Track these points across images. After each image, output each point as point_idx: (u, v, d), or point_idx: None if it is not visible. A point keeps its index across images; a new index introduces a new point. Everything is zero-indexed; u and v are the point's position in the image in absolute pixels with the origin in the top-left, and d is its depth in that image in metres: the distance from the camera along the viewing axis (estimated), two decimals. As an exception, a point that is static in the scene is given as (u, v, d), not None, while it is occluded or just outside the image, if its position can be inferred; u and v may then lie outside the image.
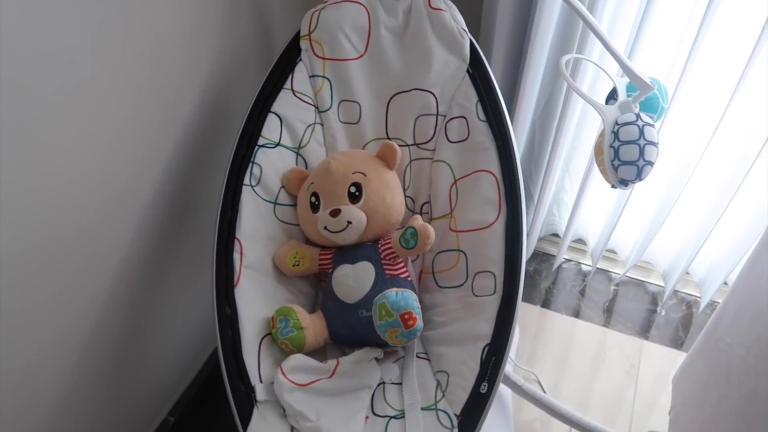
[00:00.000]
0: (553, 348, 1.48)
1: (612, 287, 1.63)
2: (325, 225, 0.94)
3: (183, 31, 0.93)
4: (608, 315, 1.56)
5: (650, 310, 1.57)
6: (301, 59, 1.00)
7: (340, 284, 0.93)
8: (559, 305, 1.58)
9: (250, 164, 0.95)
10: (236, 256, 0.90)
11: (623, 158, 0.88)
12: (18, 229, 0.74)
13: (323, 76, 1.02)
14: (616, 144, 0.88)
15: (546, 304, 1.59)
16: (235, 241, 0.90)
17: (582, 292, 1.62)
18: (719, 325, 0.95)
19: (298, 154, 1.02)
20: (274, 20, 1.19)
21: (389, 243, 0.94)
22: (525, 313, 1.55)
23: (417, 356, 0.93)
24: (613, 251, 1.65)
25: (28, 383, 0.85)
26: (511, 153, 0.92)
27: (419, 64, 1.00)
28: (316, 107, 1.03)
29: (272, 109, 0.97)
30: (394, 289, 0.84)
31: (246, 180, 0.94)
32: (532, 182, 1.53)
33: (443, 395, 0.86)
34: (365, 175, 0.94)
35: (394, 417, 0.85)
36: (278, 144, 0.98)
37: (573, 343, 1.50)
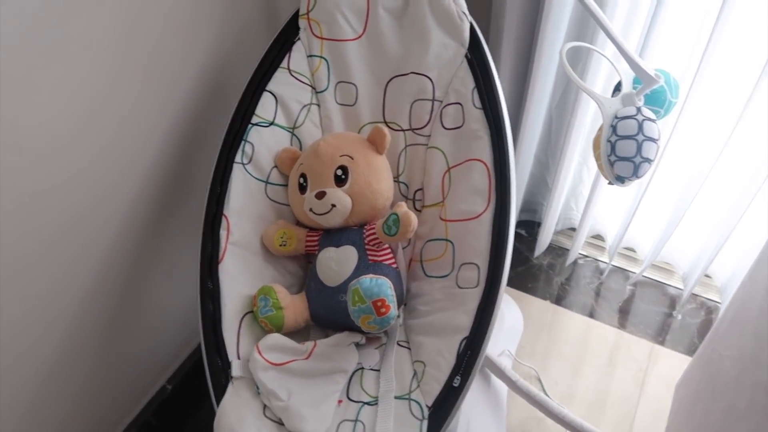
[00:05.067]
0: (559, 345, 1.44)
1: (628, 287, 1.57)
2: (311, 207, 0.93)
3: (183, 6, 0.93)
4: (622, 315, 1.50)
5: (666, 314, 1.50)
6: (299, 38, 0.99)
7: (323, 267, 0.93)
8: (571, 302, 1.54)
9: (242, 142, 0.95)
10: (222, 232, 0.90)
11: (620, 154, 0.84)
12: (12, 216, 0.76)
13: (321, 56, 1.00)
14: (614, 138, 0.84)
15: (558, 300, 1.55)
16: (223, 217, 0.91)
17: (597, 290, 1.56)
18: (716, 334, 0.90)
19: (292, 134, 1.01)
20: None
21: (374, 229, 0.93)
22: (536, 307, 1.52)
23: (398, 344, 0.92)
24: (632, 249, 1.59)
25: (23, 352, 0.88)
26: (504, 143, 0.89)
27: (417, 46, 0.97)
28: (313, 87, 1.02)
29: (267, 88, 0.97)
30: (370, 275, 0.83)
31: (237, 158, 0.94)
32: (548, 171, 1.48)
33: (418, 385, 0.84)
34: (352, 159, 0.93)
35: (368, 403, 0.84)
36: (272, 123, 0.98)
37: (581, 342, 1.45)
